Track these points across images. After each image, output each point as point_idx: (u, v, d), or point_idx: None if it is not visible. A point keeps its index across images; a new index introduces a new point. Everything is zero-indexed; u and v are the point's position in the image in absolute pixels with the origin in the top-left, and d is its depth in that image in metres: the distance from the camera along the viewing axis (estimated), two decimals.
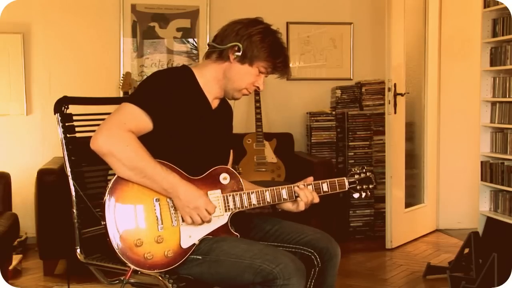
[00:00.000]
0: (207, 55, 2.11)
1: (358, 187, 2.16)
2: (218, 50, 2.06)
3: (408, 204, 4.70)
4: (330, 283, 2.06)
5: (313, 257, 2.03)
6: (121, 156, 1.85)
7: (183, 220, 1.91)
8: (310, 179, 2.11)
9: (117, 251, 1.84)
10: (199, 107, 2.07)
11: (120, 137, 1.86)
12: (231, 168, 2.06)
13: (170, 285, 1.87)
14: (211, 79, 2.08)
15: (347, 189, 2.14)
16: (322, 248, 2.03)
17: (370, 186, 2.18)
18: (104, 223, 1.86)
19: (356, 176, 2.17)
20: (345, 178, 2.14)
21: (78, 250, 2.14)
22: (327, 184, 2.11)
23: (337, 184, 2.12)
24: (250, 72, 2.05)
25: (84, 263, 2.13)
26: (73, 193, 2.13)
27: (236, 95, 2.11)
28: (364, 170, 2.18)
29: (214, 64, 2.08)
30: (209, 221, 1.92)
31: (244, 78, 2.06)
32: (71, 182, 2.13)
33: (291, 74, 2.13)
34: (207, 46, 2.13)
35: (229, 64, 2.06)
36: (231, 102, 2.26)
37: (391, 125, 4.37)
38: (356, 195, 2.16)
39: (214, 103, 2.13)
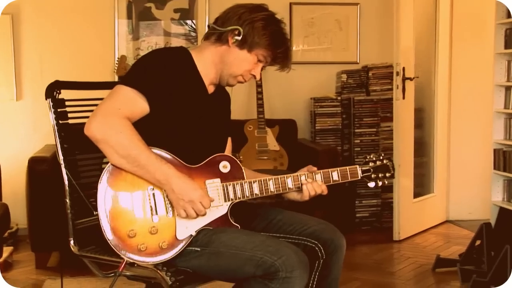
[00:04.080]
0: (206, 37, 2.11)
1: (373, 176, 2.14)
2: (217, 33, 2.06)
3: (416, 194, 4.70)
4: (334, 275, 2.07)
5: (317, 248, 2.03)
6: (114, 143, 1.86)
7: (177, 213, 1.92)
8: (311, 168, 2.10)
9: (109, 242, 1.86)
10: (195, 90, 2.07)
11: (114, 124, 1.87)
12: (231, 156, 2.06)
13: (168, 278, 1.87)
14: (208, 62, 2.09)
15: (360, 177, 2.13)
16: (327, 239, 2.04)
17: (387, 175, 2.16)
18: (97, 213, 1.87)
19: (371, 164, 2.16)
20: (357, 166, 2.13)
21: (72, 242, 2.14)
22: (338, 172, 2.10)
23: (348, 172, 2.11)
24: (248, 59, 2.06)
25: (78, 256, 2.14)
26: (66, 182, 2.13)
27: (231, 81, 2.11)
28: (381, 158, 2.16)
29: (212, 47, 2.09)
30: (204, 215, 1.92)
31: (241, 65, 2.07)
32: (63, 170, 2.13)
33: (291, 67, 2.14)
34: (206, 28, 2.14)
35: (227, 48, 2.06)
36: (228, 89, 2.26)
37: (399, 111, 4.36)
38: (371, 184, 2.15)
39: (210, 89, 2.14)
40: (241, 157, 4.21)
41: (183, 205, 1.89)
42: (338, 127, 4.77)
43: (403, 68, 4.35)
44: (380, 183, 2.15)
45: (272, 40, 2.05)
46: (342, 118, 4.77)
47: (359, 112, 4.74)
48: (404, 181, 4.44)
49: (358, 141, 4.74)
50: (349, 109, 4.75)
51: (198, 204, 1.89)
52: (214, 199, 1.96)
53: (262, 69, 2.14)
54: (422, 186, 4.98)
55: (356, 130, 4.73)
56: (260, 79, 4.57)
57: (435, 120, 4.96)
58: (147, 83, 1.95)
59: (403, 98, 4.38)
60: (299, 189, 2.08)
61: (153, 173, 1.88)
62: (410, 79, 4.43)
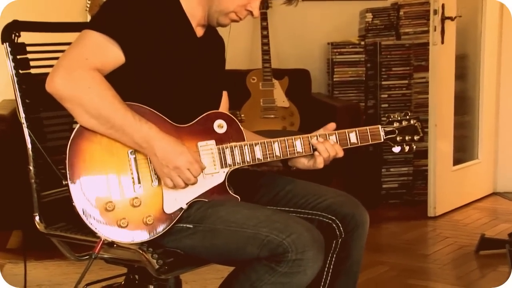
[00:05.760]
0: None
1: (398, 138, 2.15)
2: None
3: (457, 161, 4.72)
4: (355, 258, 2.09)
5: (334, 225, 2.05)
6: (83, 101, 1.86)
7: (163, 182, 1.93)
8: (332, 125, 2.11)
9: (83, 217, 1.87)
10: (180, 32, 2.07)
11: (81, 78, 1.87)
12: (227, 113, 2.07)
13: (154, 261, 1.89)
14: (193, 0, 2.08)
15: (382, 140, 2.14)
16: (346, 214, 2.05)
17: (416, 138, 2.17)
18: (66, 182, 1.88)
19: (396, 124, 2.16)
20: (379, 126, 2.14)
21: (37, 218, 2.16)
22: (356, 134, 2.11)
23: (369, 134, 2.12)
24: None
25: (44, 235, 2.16)
26: (29, 146, 2.14)
27: (222, 20, 2.10)
28: (407, 117, 2.17)
29: None
30: (194, 183, 1.94)
31: None
32: (26, 131, 2.14)
33: None
34: None
35: None
36: (225, 32, 2.26)
37: (437, 58, 4.35)
38: (396, 149, 2.16)
39: (199, 31, 2.13)
40: (242, 115, 4.21)
41: (168, 173, 1.90)
42: (361, 78, 4.77)
43: (443, 5, 4.32)
44: (407, 148, 2.17)
45: None
46: (366, 68, 4.76)
47: (387, 60, 4.73)
48: (441, 145, 4.45)
49: (386, 95, 4.74)
50: (375, 56, 4.74)
51: (185, 171, 1.90)
52: (208, 165, 1.97)
53: (262, 5, 2.12)
54: (464, 150, 4.99)
55: (384, 83, 4.73)
56: (266, 20, 4.59)
57: (481, 70, 4.94)
58: (119, 26, 1.94)
59: (442, 42, 4.36)
60: (310, 154, 2.09)
61: (131, 136, 1.88)
62: (451, 18, 4.41)
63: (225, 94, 2.29)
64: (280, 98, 4.44)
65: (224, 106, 2.27)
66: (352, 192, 2.18)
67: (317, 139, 2.08)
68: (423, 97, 4.67)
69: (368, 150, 4.58)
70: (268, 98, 4.43)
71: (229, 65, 2.33)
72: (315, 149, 2.08)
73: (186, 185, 1.92)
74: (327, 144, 2.07)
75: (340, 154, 2.10)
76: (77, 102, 1.87)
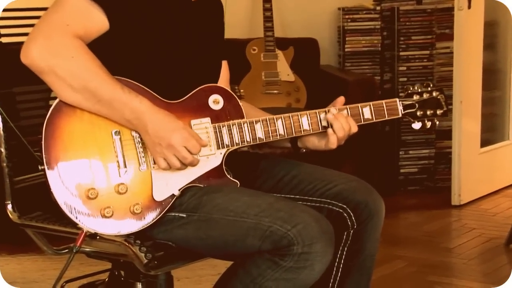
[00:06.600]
0: None
1: (419, 113, 2.15)
2: None
3: (485, 142, 4.72)
4: (369, 251, 2.10)
5: (345, 214, 2.05)
6: (65, 74, 1.86)
7: (155, 162, 1.94)
8: (341, 100, 2.09)
9: (62, 206, 1.87)
10: None
11: (62, 46, 1.86)
12: (224, 87, 2.06)
13: (142, 254, 1.89)
14: None
15: (401, 115, 2.13)
16: (359, 202, 2.05)
17: (438, 112, 2.16)
18: (43, 167, 1.88)
19: (416, 97, 2.15)
20: (397, 99, 2.13)
21: (10, 207, 2.17)
22: (371, 108, 2.10)
23: (385, 108, 2.11)
24: None
25: (18, 225, 2.16)
26: (0, 125, 2.15)
27: None
28: (428, 89, 2.17)
29: None
30: (192, 164, 1.93)
31: None
32: None
33: None
34: None
35: None
36: None
37: (463, 25, 4.34)
38: (416, 125, 2.15)
39: None
40: (241, 91, 4.21)
41: (161, 152, 1.89)
42: (377, 48, 4.76)
43: None
44: (428, 124, 2.15)
45: None
46: (383, 36, 4.76)
47: (406, 27, 4.72)
48: (467, 124, 4.45)
49: (404, 68, 4.74)
50: (393, 23, 4.73)
51: (181, 149, 1.89)
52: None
53: None
54: (493, 130, 4.99)
55: (402, 53, 4.73)
56: None
57: None
58: None
59: (469, 7, 4.34)
60: (320, 132, 2.08)
61: (120, 111, 1.88)
62: None
63: (225, 64, 2.29)
64: (285, 71, 4.44)
65: (224, 78, 2.27)
66: (365, 178, 2.18)
67: (331, 112, 2.04)
68: (447, 70, 4.67)
69: (384, 130, 4.58)
70: (270, 71, 4.42)
71: (226, 34, 2.33)
72: (325, 126, 2.07)
73: (183, 165, 1.91)
74: (341, 119, 2.04)
75: (354, 129, 2.07)
76: (59, 74, 1.86)
